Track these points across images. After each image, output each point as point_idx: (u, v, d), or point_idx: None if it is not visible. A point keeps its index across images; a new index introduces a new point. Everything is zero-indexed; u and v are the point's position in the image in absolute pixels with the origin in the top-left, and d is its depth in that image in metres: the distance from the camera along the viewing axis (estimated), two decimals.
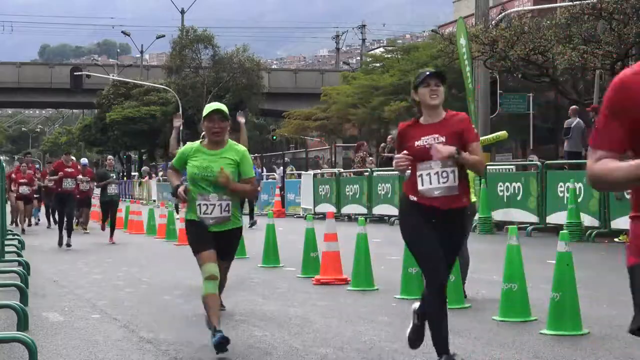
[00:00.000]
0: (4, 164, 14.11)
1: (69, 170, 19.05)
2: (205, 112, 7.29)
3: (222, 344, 6.91)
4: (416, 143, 6.07)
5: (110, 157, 23.78)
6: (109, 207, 20.38)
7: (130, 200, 26.10)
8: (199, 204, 7.19)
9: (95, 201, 27.29)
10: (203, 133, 8.45)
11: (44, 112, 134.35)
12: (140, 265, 14.85)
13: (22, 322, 8.21)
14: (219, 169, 7.17)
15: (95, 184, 22.60)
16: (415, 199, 6.08)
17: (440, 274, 5.94)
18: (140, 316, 9.15)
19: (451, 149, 5.95)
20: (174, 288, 11.39)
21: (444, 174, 6.00)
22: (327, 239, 11.38)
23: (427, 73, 6.12)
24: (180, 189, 7.25)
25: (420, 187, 6.03)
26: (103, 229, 20.89)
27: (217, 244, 7.21)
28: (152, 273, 13.44)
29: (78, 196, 20.42)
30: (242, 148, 7.46)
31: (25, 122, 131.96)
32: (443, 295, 5.95)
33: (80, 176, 20.00)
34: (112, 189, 20.32)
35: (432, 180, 6.00)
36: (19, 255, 14.23)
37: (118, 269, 14.07)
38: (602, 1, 22.94)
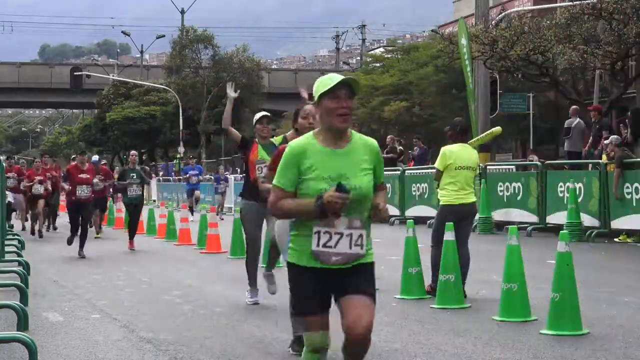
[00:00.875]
0: (4, 164, 14.07)
1: (84, 176, 16.76)
2: (325, 85, 4.64)
3: None
4: None
5: (133, 152, 19.82)
6: (130, 211, 18.18)
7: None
8: (318, 232, 4.63)
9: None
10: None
11: (44, 112, 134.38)
12: (140, 265, 14.85)
13: (22, 322, 8.21)
14: (357, 178, 4.62)
15: (111, 182, 20.90)
16: None
17: None
18: (140, 316, 9.15)
19: None
20: (174, 288, 11.40)
21: None
22: None
23: None
24: (329, 192, 4.51)
25: None
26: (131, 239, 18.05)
27: (336, 281, 4.75)
28: (152, 273, 13.45)
29: (92, 195, 17.76)
30: (373, 142, 4.83)
31: (25, 122, 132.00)
32: None
33: (95, 179, 17.83)
34: (134, 190, 17.75)
35: None
36: (19, 255, 14.23)
37: (118, 269, 14.07)
38: (602, 1, 22.94)
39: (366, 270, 4.75)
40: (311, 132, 4.79)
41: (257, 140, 9.61)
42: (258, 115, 9.66)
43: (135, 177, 17.70)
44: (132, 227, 18.03)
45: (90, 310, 9.67)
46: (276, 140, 9.47)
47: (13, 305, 8.39)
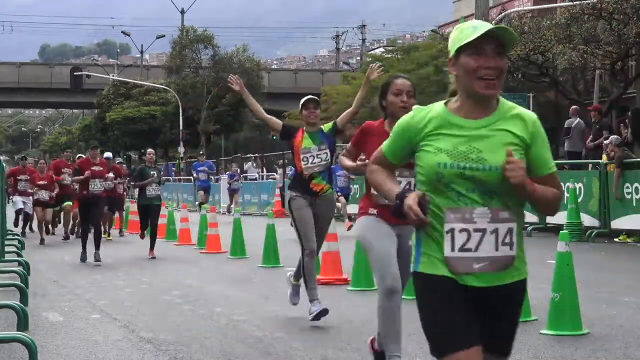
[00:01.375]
0: (4, 164, 14.02)
1: (97, 169, 15.57)
2: (465, 36, 3.48)
3: None
4: None
5: (150, 150, 18.58)
6: (148, 213, 16.49)
7: (131, 201, 25.96)
8: (451, 230, 3.49)
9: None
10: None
11: (44, 112, 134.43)
12: (140, 265, 14.85)
13: (22, 322, 8.21)
14: (495, 155, 3.50)
15: (125, 181, 20.09)
16: None
17: None
18: (140, 316, 9.15)
19: None
20: (174, 288, 11.40)
21: None
22: (327, 239, 11.36)
23: None
24: (411, 201, 3.47)
25: None
26: (142, 237, 16.97)
27: (477, 313, 3.56)
28: (152, 273, 13.45)
29: (105, 193, 16.47)
30: (530, 115, 3.63)
31: (25, 122, 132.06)
32: None
33: (110, 174, 16.57)
34: (153, 191, 16.30)
35: None
36: (19, 255, 14.23)
37: (118, 269, 14.08)
38: (602, 1, 22.97)
39: (516, 295, 3.82)
40: (443, 101, 3.65)
41: (304, 127, 8.61)
42: (304, 100, 8.64)
43: (155, 175, 16.52)
44: (153, 232, 16.47)
45: (90, 310, 9.67)
46: (325, 127, 8.63)
47: (13, 305, 8.39)
